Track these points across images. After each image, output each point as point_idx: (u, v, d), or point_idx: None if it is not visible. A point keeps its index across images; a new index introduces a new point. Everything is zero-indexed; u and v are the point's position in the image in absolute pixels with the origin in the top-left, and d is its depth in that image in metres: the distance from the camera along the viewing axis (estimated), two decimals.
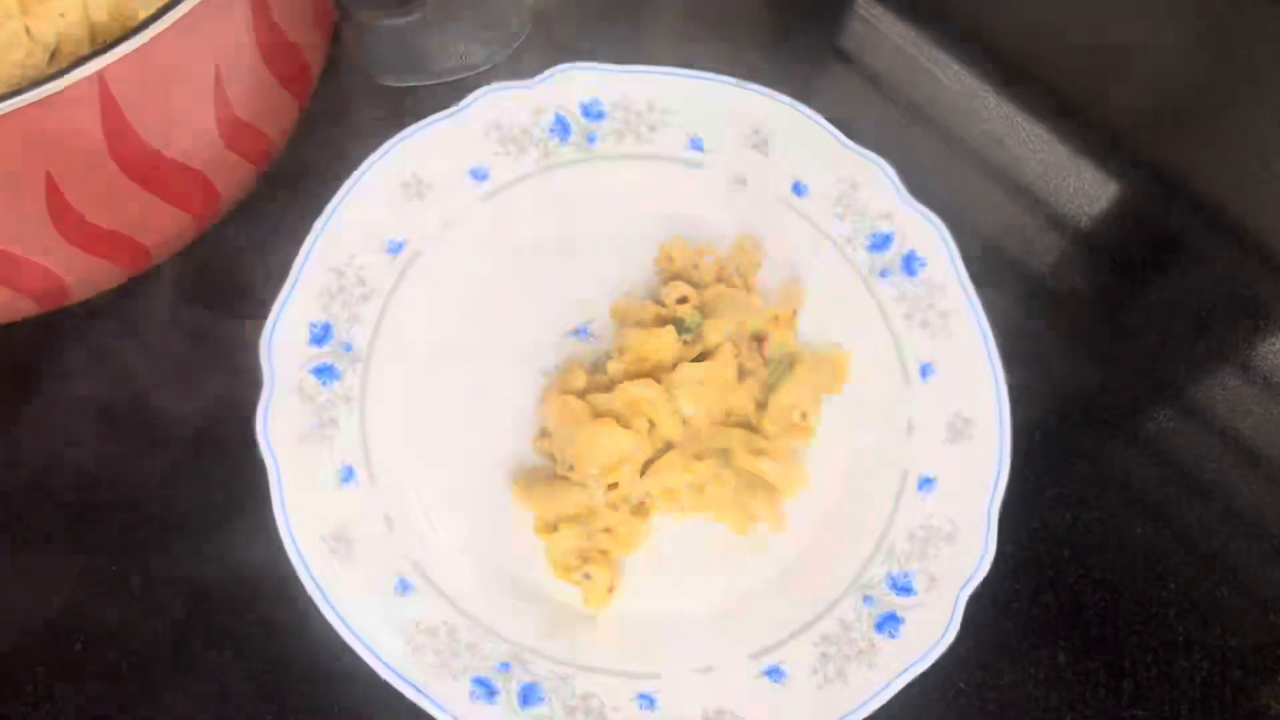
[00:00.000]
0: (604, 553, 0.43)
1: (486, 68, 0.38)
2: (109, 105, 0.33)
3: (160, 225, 0.40)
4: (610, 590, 0.42)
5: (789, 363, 0.46)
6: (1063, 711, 0.44)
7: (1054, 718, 0.44)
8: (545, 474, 0.44)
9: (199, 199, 0.41)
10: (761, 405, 0.45)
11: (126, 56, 0.31)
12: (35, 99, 0.30)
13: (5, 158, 0.32)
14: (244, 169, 0.42)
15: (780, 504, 0.44)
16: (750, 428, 0.45)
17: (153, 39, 0.31)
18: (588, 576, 0.42)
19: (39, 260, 0.37)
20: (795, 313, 0.47)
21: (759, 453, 0.44)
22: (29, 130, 0.32)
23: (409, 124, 0.46)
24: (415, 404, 0.44)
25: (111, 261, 0.40)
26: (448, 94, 0.47)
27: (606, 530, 0.43)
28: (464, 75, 0.36)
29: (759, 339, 0.47)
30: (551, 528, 0.43)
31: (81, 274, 0.39)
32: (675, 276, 0.48)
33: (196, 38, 0.34)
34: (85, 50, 0.37)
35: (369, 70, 0.35)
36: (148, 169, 0.37)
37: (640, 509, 0.44)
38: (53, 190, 0.34)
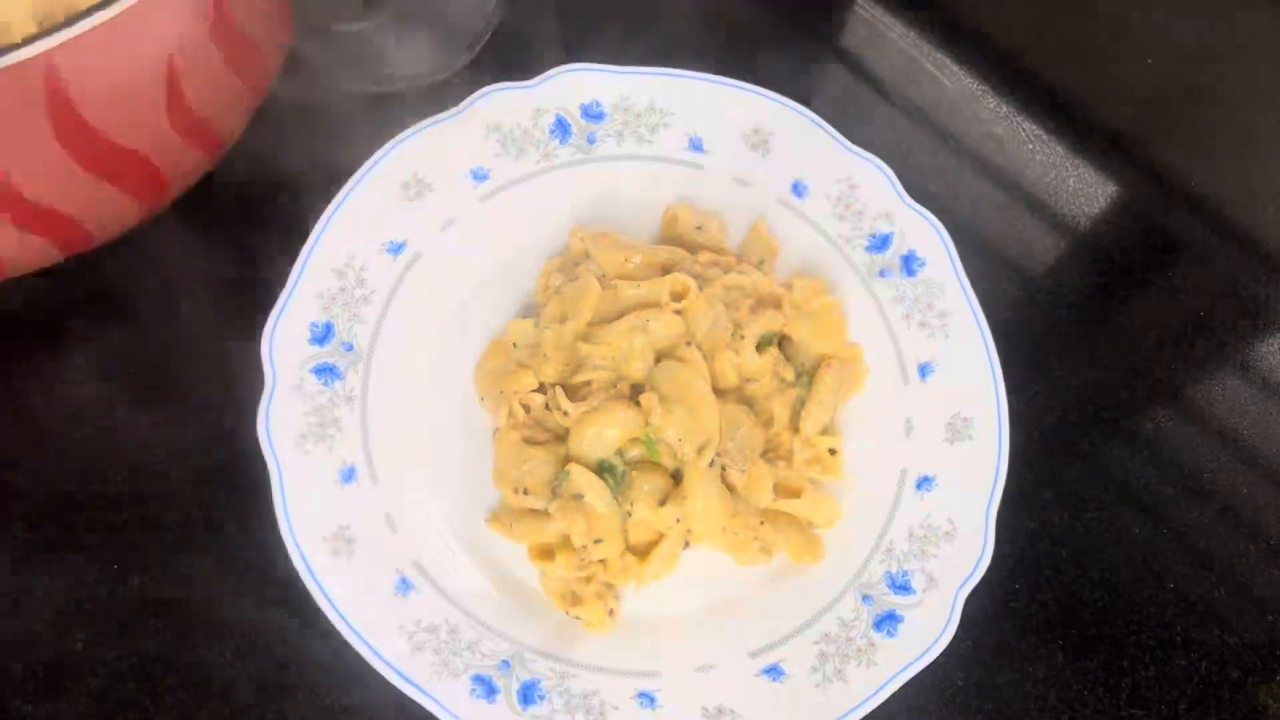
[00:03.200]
0: (591, 580, 0.42)
1: (443, 76, 0.38)
2: (55, 89, 0.32)
3: (105, 209, 0.40)
4: (611, 614, 0.42)
5: (815, 366, 0.46)
6: (1061, 710, 0.44)
7: (1052, 716, 0.44)
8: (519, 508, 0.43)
9: (147, 185, 0.40)
10: (792, 426, 0.45)
11: (73, 41, 0.30)
12: None
13: None
14: (195, 158, 0.42)
15: (817, 538, 0.44)
16: (774, 452, 0.44)
17: (99, 25, 0.31)
18: (578, 619, 0.42)
19: None
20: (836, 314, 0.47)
21: (791, 492, 0.43)
22: None
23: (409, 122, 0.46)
24: (416, 404, 0.44)
25: (48, 239, 0.39)
26: (440, 93, 0.47)
27: (601, 561, 0.42)
28: (420, 82, 0.36)
29: (782, 340, 0.46)
30: (546, 554, 0.42)
31: (14, 250, 0.39)
32: (677, 239, 0.47)
33: (148, 27, 0.34)
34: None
35: (324, 75, 0.35)
36: (94, 154, 0.36)
37: (638, 549, 0.42)
38: None
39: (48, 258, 0.41)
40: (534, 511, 0.42)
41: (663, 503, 0.41)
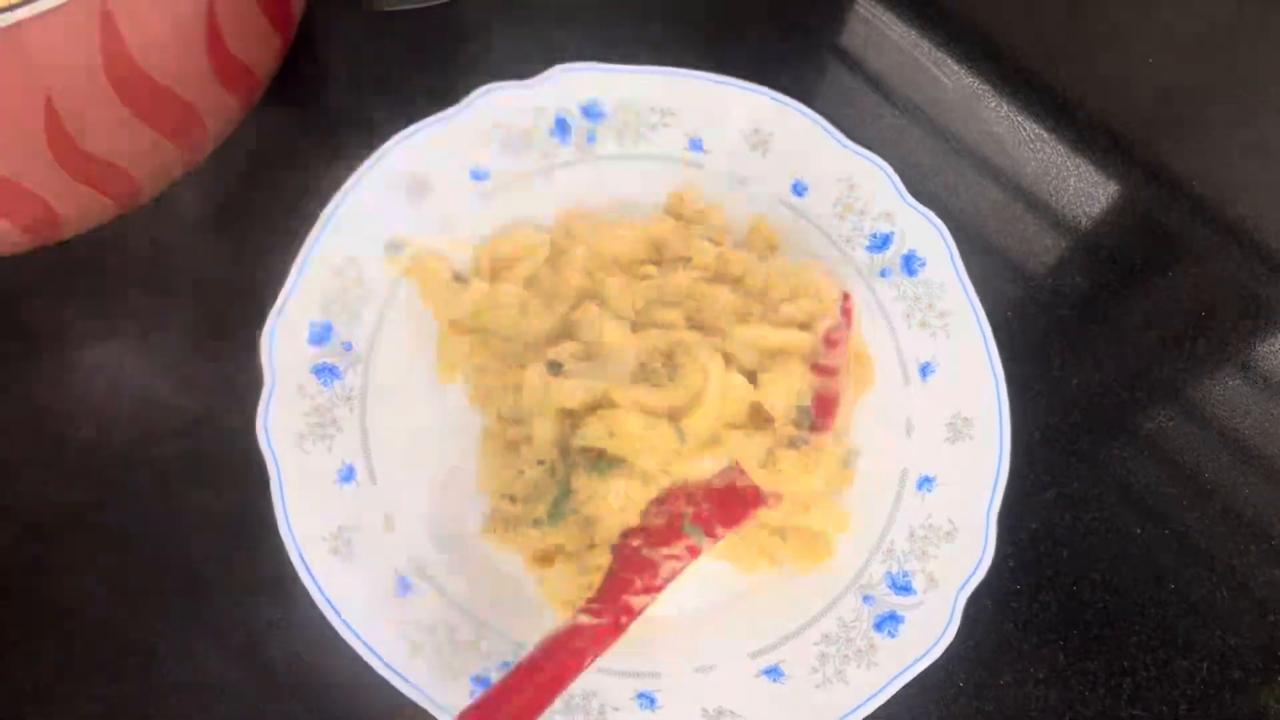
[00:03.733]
0: (593, 588, 0.41)
1: None
2: (108, 24, 0.33)
3: (150, 157, 0.41)
4: None
5: None
6: (1062, 711, 0.44)
7: (1053, 717, 0.44)
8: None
9: (188, 131, 0.41)
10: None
11: None
12: (37, 11, 0.31)
13: (6, 74, 0.33)
14: (229, 104, 0.43)
15: (828, 542, 0.44)
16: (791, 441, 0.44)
17: None
18: None
19: (32, 188, 0.38)
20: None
21: (804, 507, 0.43)
22: (30, 46, 0.32)
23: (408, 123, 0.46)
24: (416, 404, 0.44)
25: (102, 193, 0.40)
26: (447, 93, 0.47)
27: (600, 568, 0.41)
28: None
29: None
30: (544, 561, 0.42)
31: (73, 205, 0.40)
32: (679, 220, 0.47)
33: None
34: None
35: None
36: (141, 95, 0.37)
37: None
38: (51, 113, 0.35)
39: (103, 214, 0.42)
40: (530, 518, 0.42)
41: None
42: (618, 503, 0.40)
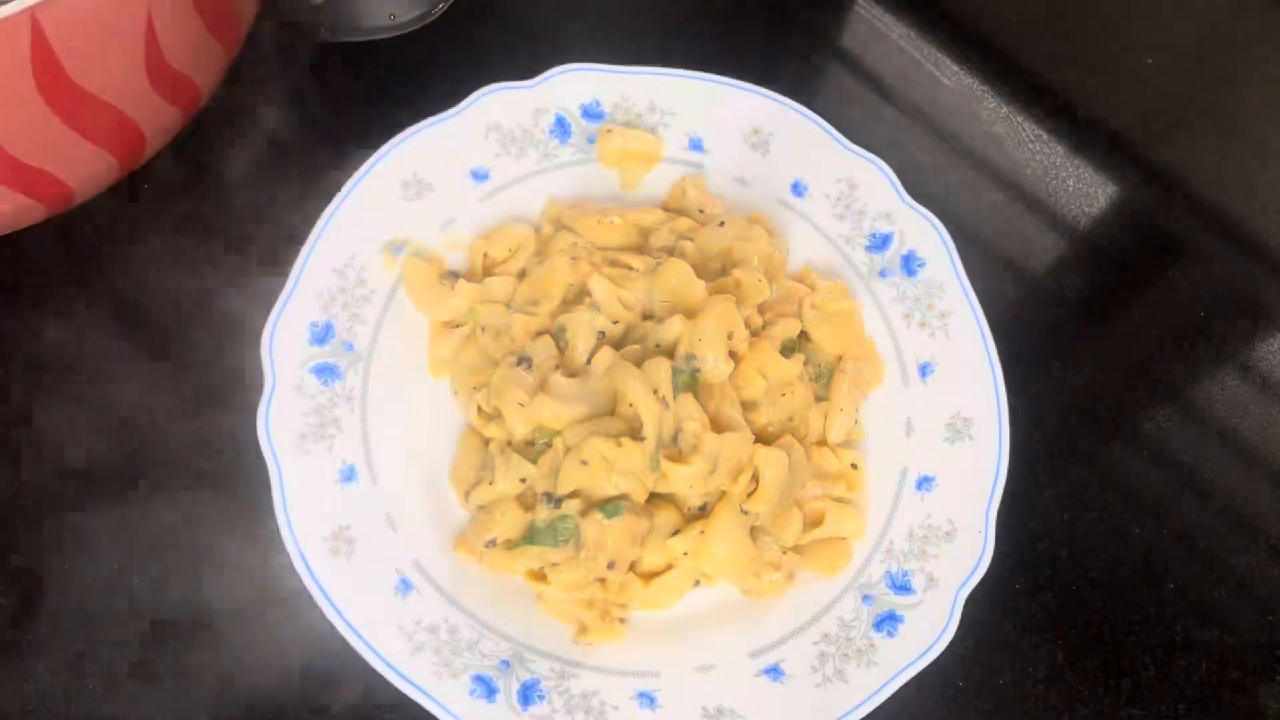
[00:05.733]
0: (592, 604, 0.41)
1: (417, 26, 0.39)
2: (40, 43, 0.33)
3: (84, 166, 0.41)
4: (621, 621, 0.41)
5: (831, 367, 0.46)
6: (1061, 710, 0.44)
7: (1052, 717, 0.44)
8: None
9: (124, 142, 0.41)
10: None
11: None
12: None
13: None
14: (170, 115, 0.42)
15: (845, 546, 0.43)
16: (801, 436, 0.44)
17: None
18: (588, 643, 0.41)
19: None
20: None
21: (815, 520, 0.43)
22: None
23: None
24: (416, 403, 0.44)
25: (34, 199, 0.40)
26: (447, 93, 0.47)
27: (601, 580, 0.41)
28: (394, 34, 0.36)
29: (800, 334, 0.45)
30: (539, 575, 0.42)
31: (2, 207, 0.40)
32: (681, 212, 0.47)
33: None
34: None
35: (302, 25, 0.36)
36: (75, 108, 0.37)
37: (645, 571, 0.42)
38: None
39: (32, 216, 0.41)
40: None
41: (675, 532, 0.41)
42: (628, 540, 0.40)
